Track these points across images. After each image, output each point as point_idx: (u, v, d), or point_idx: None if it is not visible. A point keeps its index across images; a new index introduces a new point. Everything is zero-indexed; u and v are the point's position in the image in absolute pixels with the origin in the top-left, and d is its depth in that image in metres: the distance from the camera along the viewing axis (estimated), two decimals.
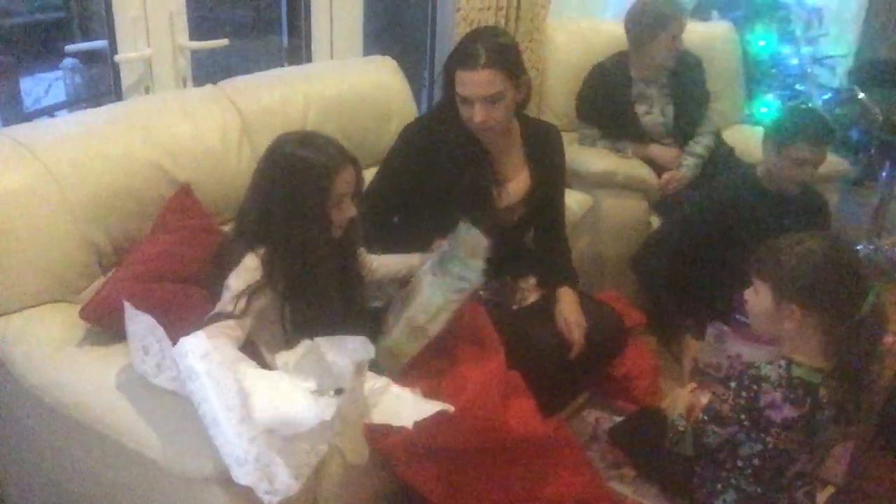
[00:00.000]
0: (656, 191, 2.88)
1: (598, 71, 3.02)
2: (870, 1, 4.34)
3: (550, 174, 2.20)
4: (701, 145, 2.96)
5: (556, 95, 3.14)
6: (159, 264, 1.71)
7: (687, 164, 2.92)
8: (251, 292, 1.60)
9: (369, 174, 2.41)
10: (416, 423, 1.55)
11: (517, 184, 2.15)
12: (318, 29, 2.69)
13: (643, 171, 2.87)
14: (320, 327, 1.64)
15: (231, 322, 1.56)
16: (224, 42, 2.37)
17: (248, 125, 2.08)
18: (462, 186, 2.05)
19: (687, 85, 2.98)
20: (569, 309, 2.06)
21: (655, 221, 2.88)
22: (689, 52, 3.00)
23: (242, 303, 1.58)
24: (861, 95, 3.62)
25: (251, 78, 2.23)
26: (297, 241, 1.63)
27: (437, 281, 1.78)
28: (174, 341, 1.56)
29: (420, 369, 1.77)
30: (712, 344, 2.30)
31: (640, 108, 2.96)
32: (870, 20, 4.37)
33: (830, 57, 3.92)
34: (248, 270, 1.61)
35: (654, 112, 2.96)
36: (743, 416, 1.65)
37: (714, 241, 2.49)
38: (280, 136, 1.73)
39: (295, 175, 1.64)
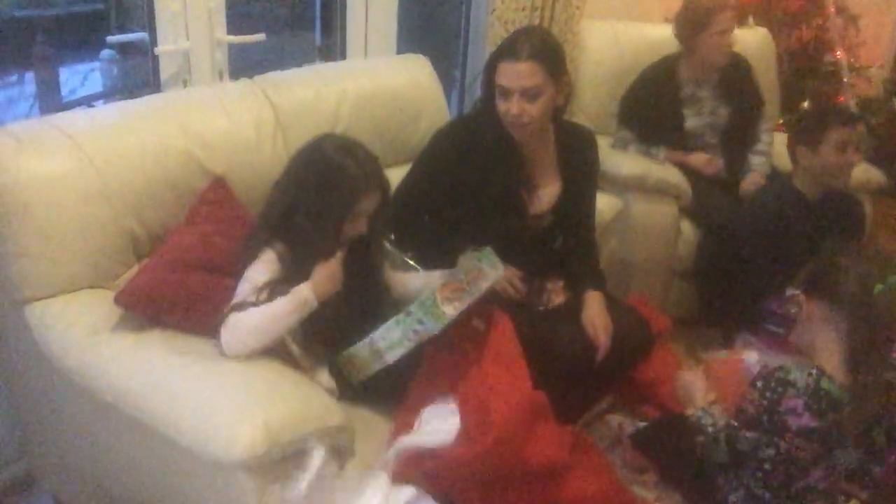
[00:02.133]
0: (688, 195, 2.86)
1: (646, 74, 3.00)
2: None
3: (583, 180, 2.19)
4: (764, 143, 2.96)
5: (589, 97, 3.13)
6: (193, 253, 1.74)
7: (759, 163, 2.92)
8: (274, 285, 1.63)
9: (397, 172, 2.45)
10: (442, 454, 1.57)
11: (549, 191, 2.15)
12: (352, 27, 2.71)
13: (675, 176, 2.85)
14: (333, 323, 1.69)
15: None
16: (261, 37, 2.39)
17: (282, 119, 2.10)
18: (494, 191, 2.06)
19: (739, 87, 2.97)
20: (596, 312, 2.06)
21: (686, 227, 2.86)
22: (739, 56, 2.98)
23: (264, 295, 1.61)
24: None
25: (286, 74, 2.25)
26: (308, 241, 1.66)
27: (401, 316, 1.72)
28: (204, 329, 1.60)
29: (443, 388, 1.74)
30: (752, 356, 2.28)
31: (690, 111, 2.94)
32: None
33: (867, 67, 3.86)
34: (267, 264, 1.65)
35: (704, 113, 2.94)
36: (764, 418, 1.64)
37: (757, 253, 2.47)
38: (324, 135, 1.77)
39: (327, 179, 1.66)
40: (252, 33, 2.41)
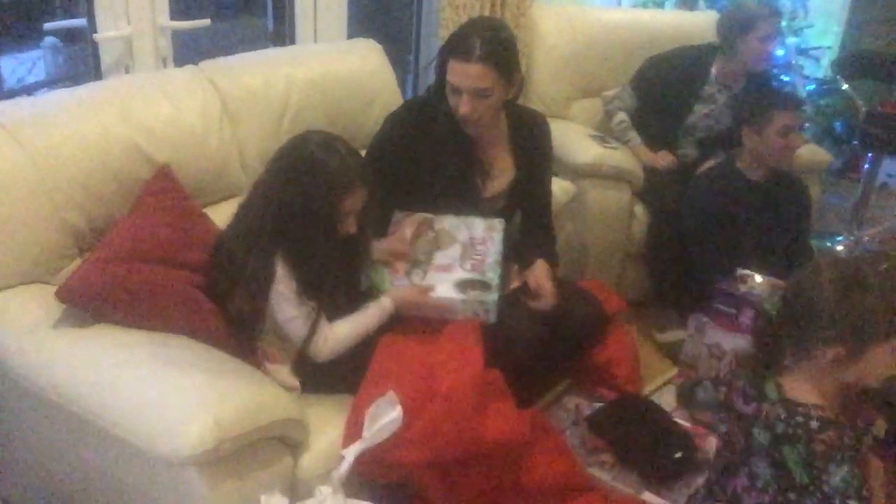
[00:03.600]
0: (640, 180, 2.88)
1: (684, 53, 2.98)
2: None
3: (536, 164, 2.19)
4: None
5: (542, 81, 3.12)
6: (138, 245, 1.69)
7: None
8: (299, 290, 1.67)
9: None
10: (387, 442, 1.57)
11: (502, 174, 2.14)
12: (301, 11, 2.67)
13: (628, 162, 2.86)
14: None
15: (320, 319, 1.69)
16: (206, 22, 2.34)
17: (229, 106, 2.06)
18: (447, 175, 2.05)
19: None
20: (541, 274, 2.04)
21: (639, 210, 2.89)
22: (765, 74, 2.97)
23: (305, 299, 1.67)
24: (844, 87, 3.63)
25: (232, 59, 2.21)
26: (307, 245, 1.66)
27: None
28: (151, 321, 1.57)
29: (392, 367, 1.73)
30: (693, 335, 2.31)
31: (701, 108, 2.93)
32: (855, 12, 4.39)
33: (816, 48, 3.93)
34: (285, 273, 1.66)
35: (710, 116, 2.94)
36: (722, 390, 1.63)
37: (702, 232, 2.51)
38: (304, 133, 1.74)
39: (311, 177, 1.64)
40: (199, 18, 2.36)
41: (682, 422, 2.17)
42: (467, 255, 1.95)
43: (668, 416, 2.17)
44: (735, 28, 2.81)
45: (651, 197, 2.87)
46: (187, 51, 2.50)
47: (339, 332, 1.72)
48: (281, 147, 1.74)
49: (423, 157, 2.04)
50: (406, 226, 2.00)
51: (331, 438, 1.61)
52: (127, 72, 2.22)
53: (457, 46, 1.92)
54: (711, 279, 2.29)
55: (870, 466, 1.51)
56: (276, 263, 1.65)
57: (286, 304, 1.66)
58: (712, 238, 2.46)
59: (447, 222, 2.04)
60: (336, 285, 1.73)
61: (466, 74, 1.90)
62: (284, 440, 1.51)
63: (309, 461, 1.55)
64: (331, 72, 2.34)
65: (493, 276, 1.89)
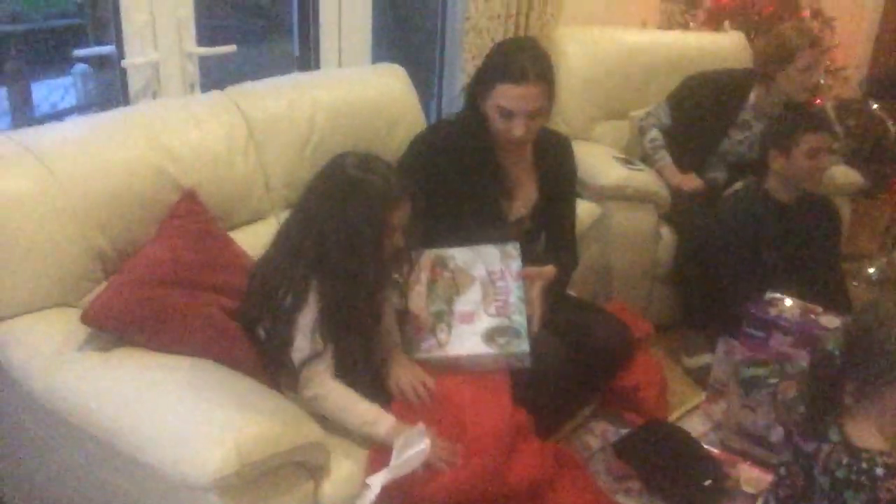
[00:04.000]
0: (667, 202, 2.85)
1: (723, 76, 2.94)
2: (883, 13, 4.32)
3: (560, 186, 2.18)
4: None
5: (565, 103, 3.09)
6: (163, 269, 1.70)
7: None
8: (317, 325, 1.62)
9: None
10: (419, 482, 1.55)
11: (525, 197, 2.14)
12: (326, 36, 2.69)
13: (654, 184, 2.84)
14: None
15: (321, 360, 1.61)
16: (231, 48, 2.37)
17: (254, 131, 2.08)
18: (474, 199, 2.04)
19: None
20: (536, 289, 1.99)
21: (665, 232, 2.86)
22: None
23: (318, 336, 1.60)
24: (875, 106, 3.58)
25: (258, 84, 2.22)
26: (352, 271, 1.61)
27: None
28: (175, 345, 1.57)
29: (420, 413, 1.70)
30: (722, 359, 2.27)
31: (735, 133, 2.90)
32: (883, 31, 4.34)
33: (843, 68, 3.88)
34: (311, 305, 1.61)
35: (743, 143, 2.91)
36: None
37: (731, 255, 2.47)
38: (339, 156, 1.71)
39: (353, 198, 1.61)
40: (227, 44, 2.39)
41: (711, 448, 2.13)
42: (489, 295, 1.88)
43: (696, 442, 2.13)
44: (774, 59, 2.77)
45: (678, 219, 2.84)
46: (216, 76, 2.52)
47: (330, 394, 1.61)
48: (318, 173, 1.72)
49: (450, 181, 2.03)
50: (421, 270, 1.93)
51: (353, 465, 1.59)
52: (154, 97, 2.25)
53: (508, 70, 1.91)
54: (740, 302, 2.24)
55: None
56: (309, 293, 1.61)
57: (298, 333, 1.62)
58: (741, 260, 2.43)
59: (461, 258, 1.96)
60: (359, 330, 1.69)
61: (524, 96, 1.91)
62: (306, 465, 1.50)
63: (331, 487, 1.53)
64: (355, 96, 2.35)
65: (520, 320, 1.81)
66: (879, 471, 1.30)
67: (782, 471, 1.52)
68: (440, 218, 2.04)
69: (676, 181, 2.87)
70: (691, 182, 2.86)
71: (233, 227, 2.02)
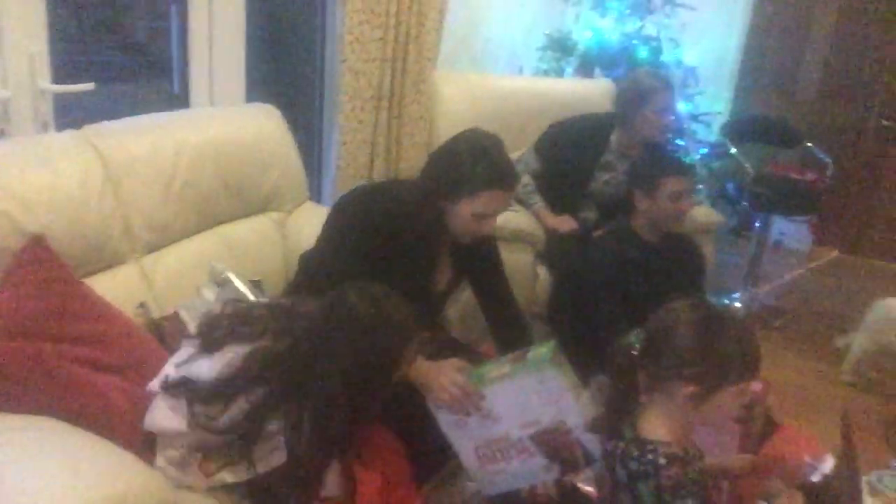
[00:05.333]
0: (541, 241, 2.92)
1: (584, 120, 3.03)
2: (741, 61, 4.63)
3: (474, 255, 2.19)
4: None
5: None
6: (7, 320, 1.58)
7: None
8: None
9: (244, 225, 2.38)
10: None
11: (444, 271, 2.17)
12: (196, 73, 2.62)
13: (529, 224, 2.91)
14: None
15: None
16: (90, 86, 2.25)
17: (112, 172, 1.98)
18: (410, 273, 2.01)
19: None
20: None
21: (542, 272, 2.91)
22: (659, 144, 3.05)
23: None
24: (733, 150, 3.81)
25: (118, 123, 2.12)
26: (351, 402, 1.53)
27: None
28: (18, 402, 1.45)
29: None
30: (596, 395, 2.30)
31: (602, 175, 2.99)
32: (743, 79, 4.65)
33: (707, 114, 4.12)
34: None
35: (610, 184, 3.00)
36: None
37: (601, 293, 2.53)
38: (341, 294, 1.61)
39: (377, 337, 1.55)
40: (98, 81, 2.27)
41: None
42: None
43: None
44: (631, 102, 2.90)
45: (553, 259, 2.91)
46: (85, 115, 2.40)
47: None
48: (318, 315, 1.60)
49: (393, 257, 1.98)
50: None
51: None
52: (2, 136, 2.11)
53: (500, 179, 1.93)
54: (610, 340, 2.30)
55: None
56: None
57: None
58: (610, 299, 2.49)
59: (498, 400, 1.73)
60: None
61: (507, 200, 1.98)
62: None
63: None
64: (224, 136, 2.29)
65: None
66: (662, 460, 1.40)
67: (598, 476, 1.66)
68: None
69: (552, 223, 2.94)
70: (567, 223, 2.95)
71: (89, 274, 1.91)
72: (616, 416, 1.55)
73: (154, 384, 1.62)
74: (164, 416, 1.57)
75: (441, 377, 1.74)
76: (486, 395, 1.70)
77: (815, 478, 1.70)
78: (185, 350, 1.68)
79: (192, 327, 1.93)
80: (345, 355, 1.53)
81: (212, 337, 1.64)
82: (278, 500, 1.54)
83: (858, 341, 2.56)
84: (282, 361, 1.55)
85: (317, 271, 1.99)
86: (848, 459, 1.69)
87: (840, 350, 3.17)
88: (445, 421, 1.74)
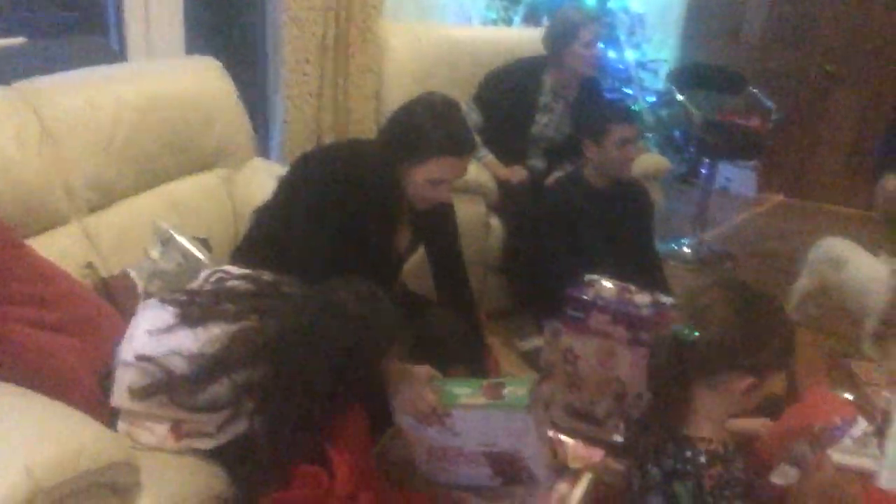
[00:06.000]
0: (494, 193, 2.93)
1: (515, 67, 3.05)
2: (688, 8, 4.65)
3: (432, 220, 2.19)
4: None
5: (393, 99, 3.10)
6: None
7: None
8: None
9: (191, 181, 2.32)
10: None
11: (404, 234, 2.15)
12: (132, 26, 2.53)
13: (481, 176, 2.91)
14: None
15: None
16: (20, 41, 2.16)
17: (49, 130, 1.91)
18: (374, 240, 2.00)
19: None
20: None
21: (495, 223, 2.93)
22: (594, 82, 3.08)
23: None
24: (680, 98, 3.85)
25: (53, 79, 2.04)
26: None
27: None
28: None
29: None
30: (550, 341, 2.35)
31: (540, 117, 3.01)
32: (689, 26, 4.68)
33: (653, 61, 4.14)
34: None
35: (550, 125, 3.02)
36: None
37: (553, 241, 2.57)
38: (336, 284, 1.61)
39: (357, 337, 1.56)
40: (29, 36, 2.17)
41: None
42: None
43: None
44: (559, 38, 2.93)
45: (505, 209, 2.92)
46: (17, 72, 2.30)
47: None
48: (303, 305, 1.60)
49: (360, 218, 1.95)
50: None
51: (170, 483, 1.49)
52: None
53: (453, 145, 1.93)
54: (564, 286, 2.33)
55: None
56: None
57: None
58: (563, 246, 2.53)
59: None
60: None
61: (462, 168, 1.97)
62: (115, 487, 1.39)
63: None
64: (165, 91, 2.22)
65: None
66: (703, 458, 1.32)
67: (625, 473, 1.56)
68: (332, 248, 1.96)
69: (503, 174, 2.95)
70: (517, 174, 2.96)
71: (31, 235, 1.85)
72: (652, 413, 1.45)
73: (126, 354, 1.59)
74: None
75: (410, 389, 1.71)
76: (452, 414, 1.69)
77: (847, 440, 1.62)
78: (158, 315, 1.64)
79: (141, 286, 1.91)
80: (332, 349, 1.54)
81: (193, 310, 1.62)
82: (248, 467, 1.54)
83: (801, 281, 2.64)
84: (269, 347, 1.55)
85: (284, 238, 1.96)
86: (791, 393, 1.74)
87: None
88: (406, 420, 1.76)
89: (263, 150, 2.91)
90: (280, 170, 2.55)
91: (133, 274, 1.92)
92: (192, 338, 1.56)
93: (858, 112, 4.64)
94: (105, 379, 1.60)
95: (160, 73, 2.32)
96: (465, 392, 1.70)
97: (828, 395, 1.70)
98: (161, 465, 1.52)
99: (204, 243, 2.14)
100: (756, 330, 1.33)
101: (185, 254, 2.02)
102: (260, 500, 1.53)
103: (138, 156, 2.11)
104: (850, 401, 1.95)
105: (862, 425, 1.68)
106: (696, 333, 1.33)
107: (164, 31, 2.59)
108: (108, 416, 1.56)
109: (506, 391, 1.68)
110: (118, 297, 1.85)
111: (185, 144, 2.26)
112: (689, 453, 1.33)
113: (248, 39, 3.14)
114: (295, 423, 1.51)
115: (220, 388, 1.52)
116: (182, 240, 2.04)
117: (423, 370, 1.77)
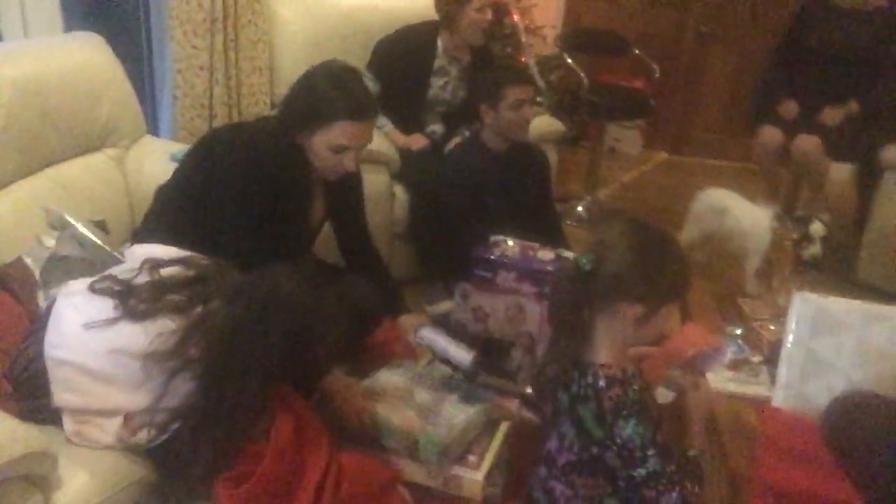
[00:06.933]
0: (396, 162, 2.95)
1: (407, 32, 3.03)
2: None
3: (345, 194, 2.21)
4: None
5: (286, 69, 3.06)
6: None
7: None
8: None
9: (79, 163, 2.23)
10: None
11: (317, 205, 2.16)
12: (6, 5, 2.38)
13: (382, 145, 2.92)
14: None
15: None
16: None
17: None
18: (284, 212, 2.00)
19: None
20: None
21: (399, 191, 2.95)
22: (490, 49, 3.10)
23: None
24: (569, 61, 3.96)
25: None
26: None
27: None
28: None
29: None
30: (460, 302, 2.41)
31: (437, 81, 3.02)
32: None
33: (542, 27, 4.23)
34: None
35: (446, 89, 3.04)
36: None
37: (456, 206, 2.61)
38: (277, 273, 1.57)
39: (302, 324, 1.55)
40: None
41: None
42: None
43: None
44: (452, 3, 2.95)
45: (408, 177, 2.95)
46: None
47: None
48: (247, 295, 1.56)
49: (272, 193, 1.96)
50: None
51: (87, 474, 1.46)
52: None
53: (351, 108, 1.90)
54: (470, 248, 2.39)
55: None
56: None
57: None
58: (466, 210, 2.58)
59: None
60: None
61: (363, 133, 1.95)
62: (31, 478, 1.35)
63: (63, 498, 1.40)
64: (48, 69, 2.12)
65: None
66: (602, 382, 1.39)
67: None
68: (246, 226, 1.96)
69: (403, 142, 2.97)
70: (418, 141, 2.99)
71: None
72: (556, 344, 1.51)
73: (59, 351, 1.53)
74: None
75: (348, 405, 1.81)
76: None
77: (717, 366, 1.76)
78: (92, 307, 1.57)
79: (37, 274, 1.83)
80: (278, 338, 1.53)
81: (135, 303, 1.56)
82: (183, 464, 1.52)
83: (686, 230, 2.79)
84: (224, 339, 1.52)
85: (196, 216, 1.96)
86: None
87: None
88: None
89: (152, 128, 2.81)
90: (173, 147, 2.50)
91: (29, 261, 1.84)
92: (139, 333, 1.52)
93: (732, 70, 4.91)
94: (22, 372, 1.54)
95: (40, 51, 2.20)
96: (396, 431, 1.80)
97: (699, 328, 1.85)
98: (83, 451, 1.48)
99: (100, 225, 2.07)
100: (649, 263, 1.41)
101: (82, 239, 1.94)
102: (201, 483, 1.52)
103: (22, 138, 2.02)
104: (717, 333, 2.12)
105: (728, 353, 1.82)
106: (595, 261, 1.41)
107: (39, 7, 2.44)
108: (17, 410, 1.50)
109: (420, 442, 1.77)
110: (14, 284, 1.77)
111: (72, 124, 2.17)
112: (590, 378, 1.42)
113: (126, 11, 3.00)
114: (239, 405, 1.51)
115: (180, 383, 1.51)
116: (77, 224, 1.96)
117: (360, 388, 1.88)
